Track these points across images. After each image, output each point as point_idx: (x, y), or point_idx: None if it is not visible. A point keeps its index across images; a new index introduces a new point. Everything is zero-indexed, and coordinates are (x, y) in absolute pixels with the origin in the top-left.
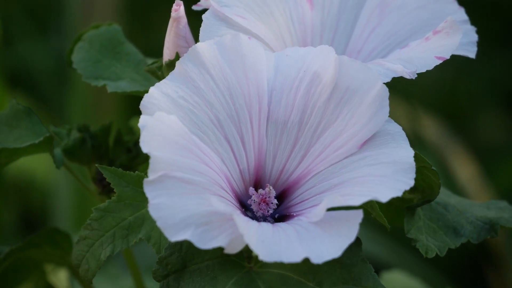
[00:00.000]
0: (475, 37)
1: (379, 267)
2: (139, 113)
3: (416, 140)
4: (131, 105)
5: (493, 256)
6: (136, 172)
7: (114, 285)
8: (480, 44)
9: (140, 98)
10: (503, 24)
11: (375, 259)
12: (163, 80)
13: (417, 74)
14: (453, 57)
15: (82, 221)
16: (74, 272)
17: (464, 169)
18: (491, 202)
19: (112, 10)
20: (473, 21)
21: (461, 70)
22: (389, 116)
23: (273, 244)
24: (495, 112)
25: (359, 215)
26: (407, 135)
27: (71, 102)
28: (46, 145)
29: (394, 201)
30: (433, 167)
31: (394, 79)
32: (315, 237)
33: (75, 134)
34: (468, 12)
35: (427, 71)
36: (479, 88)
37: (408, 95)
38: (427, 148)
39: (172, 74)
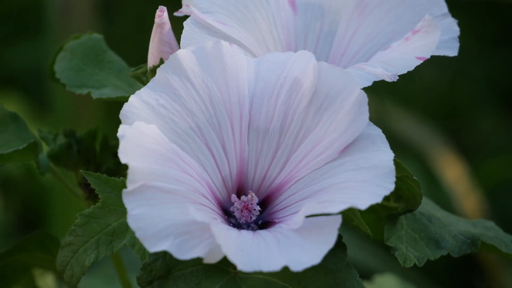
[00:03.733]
0: (456, 32)
1: (366, 274)
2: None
3: (396, 143)
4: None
5: (482, 262)
6: (121, 178)
7: (109, 286)
8: (478, 44)
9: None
10: (500, 24)
11: (361, 266)
12: (143, 88)
13: (398, 76)
14: (450, 57)
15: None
16: (62, 277)
17: (451, 169)
18: (477, 221)
19: (90, 11)
20: (470, 21)
21: (458, 70)
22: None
23: (252, 253)
24: (493, 111)
25: (337, 220)
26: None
27: (54, 103)
28: (31, 151)
29: (383, 214)
30: (414, 177)
31: (392, 82)
32: (294, 245)
33: (61, 139)
34: (465, 13)
35: (425, 72)
36: (476, 89)
37: (405, 96)
38: (408, 150)
39: (152, 82)
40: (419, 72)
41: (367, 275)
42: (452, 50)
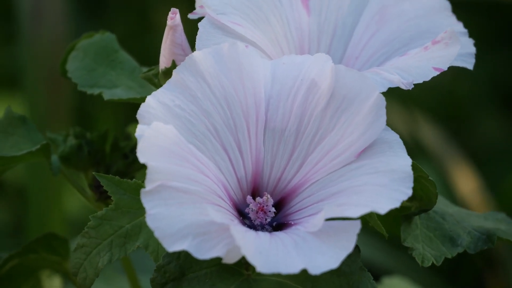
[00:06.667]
0: (473, 49)
1: (379, 273)
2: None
3: (415, 148)
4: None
5: (492, 261)
6: (134, 180)
7: (111, 286)
8: (479, 44)
9: (133, 104)
10: (502, 24)
11: (374, 265)
12: (160, 89)
13: (413, 84)
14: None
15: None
16: (71, 278)
17: (465, 178)
18: (489, 214)
19: (62, 14)
20: (472, 21)
21: (460, 71)
22: (387, 123)
23: (271, 255)
24: (495, 112)
25: (357, 225)
26: (406, 143)
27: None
28: (43, 152)
29: (392, 210)
30: (430, 177)
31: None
32: (312, 248)
33: (72, 141)
34: (466, 12)
35: None
36: (478, 89)
37: (407, 98)
38: (427, 156)
39: (169, 83)
40: None
41: (379, 273)
42: (468, 64)
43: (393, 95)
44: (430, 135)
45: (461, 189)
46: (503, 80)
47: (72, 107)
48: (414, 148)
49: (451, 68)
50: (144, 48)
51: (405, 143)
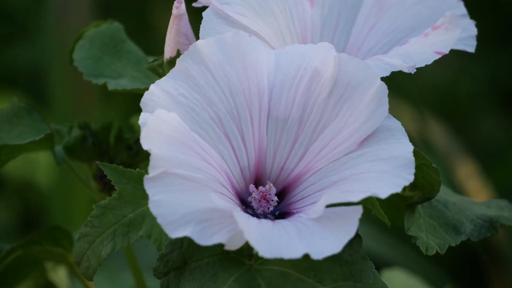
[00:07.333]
0: (474, 31)
1: (381, 265)
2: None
3: (424, 146)
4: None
5: (494, 253)
6: (137, 169)
7: (115, 282)
8: (479, 43)
9: (140, 95)
10: (503, 24)
11: (376, 256)
12: (164, 78)
13: (416, 68)
14: (452, 56)
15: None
16: (74, 270)
17: (471, 176)
18: (491, 201)
19: (88, 10)
20: (473, 20)
21: (460, 70)
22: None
23: (273, 240)
24: (495, 112)
25: (358, 210)
26: (414, 139)
27: (53, 102)
28: (47, 142)
29: (394, 200)
30: (433, 165)
31: (394, 80)
32: (315, 233)
33: (76, 132)
34: (467, 11)
35: (427, 70)
36: (478, 88)
37: (407, 96)
38: (435, 154)
39: (172, 72)
40: (420, 71)
41: (380, 265)
42: (470, 47)
43: (393, 92)
44: (438, 133)
45: (468, 187)
46: (503, 80)
47: (99, 95)
48: (423, 146)
49: (451, 68)
50: (143, 48)
51: (412, 141)
